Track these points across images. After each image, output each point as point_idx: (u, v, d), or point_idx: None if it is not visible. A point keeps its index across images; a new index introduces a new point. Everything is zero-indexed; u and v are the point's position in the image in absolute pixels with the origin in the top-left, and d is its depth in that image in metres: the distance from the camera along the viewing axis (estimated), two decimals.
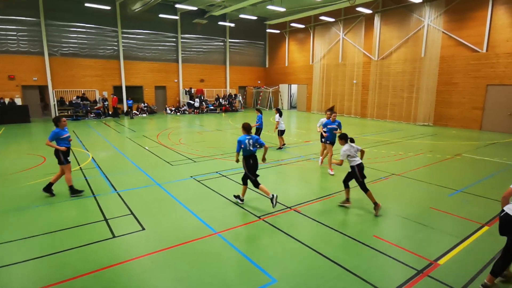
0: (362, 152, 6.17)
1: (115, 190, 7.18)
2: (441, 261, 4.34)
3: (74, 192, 6.73)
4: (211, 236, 5.01)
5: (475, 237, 5.07)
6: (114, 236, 4.97)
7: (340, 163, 6.08)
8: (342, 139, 6.20)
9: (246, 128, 6.22)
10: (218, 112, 26.63)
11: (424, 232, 5.29)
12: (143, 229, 5.25)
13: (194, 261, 4.34)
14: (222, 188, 7.38)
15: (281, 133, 11.67)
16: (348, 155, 5.99)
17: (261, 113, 11.77)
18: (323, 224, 5.47)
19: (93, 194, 6.89)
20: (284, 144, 11.89)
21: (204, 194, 7.01)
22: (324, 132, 8.93)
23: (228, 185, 7.65)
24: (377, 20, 21.59)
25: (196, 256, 4.46)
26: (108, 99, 22.77)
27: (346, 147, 6.06)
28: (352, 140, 6.11)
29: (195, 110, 25.75)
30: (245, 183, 6.36)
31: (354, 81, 23.49)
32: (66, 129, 6.70)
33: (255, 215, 5.80)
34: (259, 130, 11.69)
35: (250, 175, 6.18)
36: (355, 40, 23.28)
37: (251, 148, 6.09)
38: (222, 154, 10.91)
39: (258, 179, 6.24)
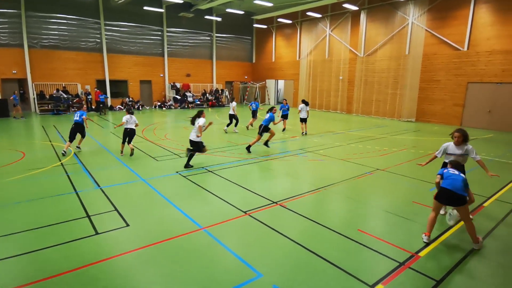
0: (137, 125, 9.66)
1: (98, 186, 7.04)
2: (422, 253, 4.47)
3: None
4: (197, 232, 4.99)
5: (454, 230, 5.24)
6: (97, 233, 4.88)
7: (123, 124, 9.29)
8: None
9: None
10: (205, 107, 26.42)
11: (407, 225, 5.42)
12: (128, 225, 5.17)
13: (179, 257, 4.31)
14: (208, 183, 7.35)
15: (301, 120, 14.23)
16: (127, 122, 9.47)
17: (287, 103, 15.77)
18: (309, 219, 5.53)
19: (75, 190, 6.74)
20: (302, 132, 14.14)
21: (190, 190, 6.97)
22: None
23: (214, 180, 7.62)
24: (363, 17, 21.81)
25: (182, 252, 4.43)
26: (92, 93, 22.22)
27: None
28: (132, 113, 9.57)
29: (187, 104, 25.64)
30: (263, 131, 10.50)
31: (340, 77, 23.72)
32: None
33: (241, 210, 5.80)
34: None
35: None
36: (341, 36, 23.46)
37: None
38: (208, 149, 10.83)
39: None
